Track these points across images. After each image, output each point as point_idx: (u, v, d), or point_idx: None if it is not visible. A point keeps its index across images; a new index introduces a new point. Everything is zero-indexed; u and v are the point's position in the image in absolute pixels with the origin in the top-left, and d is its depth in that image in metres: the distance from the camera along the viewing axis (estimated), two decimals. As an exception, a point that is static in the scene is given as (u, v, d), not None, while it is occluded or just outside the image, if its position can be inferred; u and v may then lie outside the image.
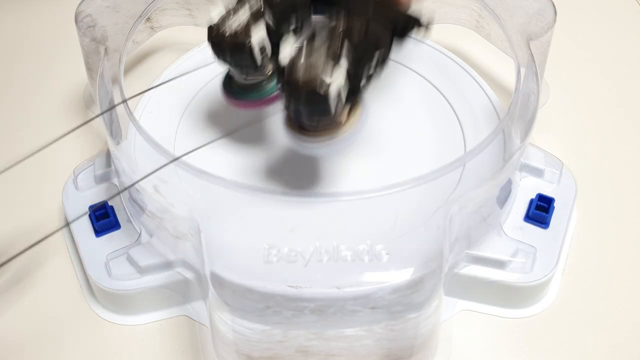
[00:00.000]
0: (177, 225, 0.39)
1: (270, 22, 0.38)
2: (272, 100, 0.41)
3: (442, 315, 0.40)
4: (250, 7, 0.38)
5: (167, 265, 0.40)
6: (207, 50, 0.50)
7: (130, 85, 0.50)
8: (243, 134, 0.46)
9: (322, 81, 0.35)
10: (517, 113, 0.42)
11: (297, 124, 0.38)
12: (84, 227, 0.43)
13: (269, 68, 0.40)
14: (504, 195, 0.42)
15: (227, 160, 0.44)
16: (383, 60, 0.38)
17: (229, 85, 0.41)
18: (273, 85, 0.40)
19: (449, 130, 0.45)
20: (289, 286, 0.36)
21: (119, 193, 0.43)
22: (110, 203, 0.43)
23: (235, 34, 0.38)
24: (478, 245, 0.41)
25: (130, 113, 0.41)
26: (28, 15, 0.59)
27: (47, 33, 0.58)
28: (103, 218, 0.42)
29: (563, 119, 0.51)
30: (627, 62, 0.55)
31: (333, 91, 0.35)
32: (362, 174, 0.43)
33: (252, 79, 0.40)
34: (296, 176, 0.43)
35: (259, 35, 0.38)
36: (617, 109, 0.52)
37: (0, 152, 0.50)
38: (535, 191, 0.44)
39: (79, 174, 0.44)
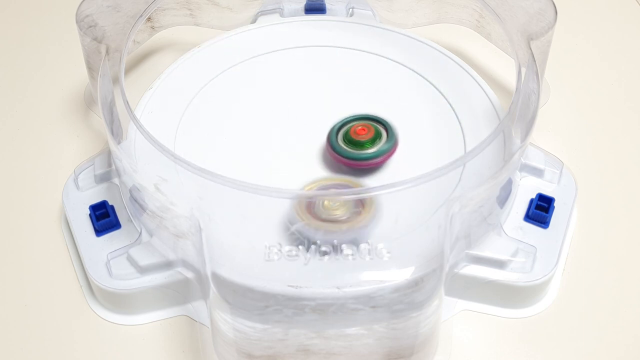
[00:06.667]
0: (177, 224, 0.39)
1: None
2: (368, 164, 0.43)
3: (443, 315, 0.40)
4: None
5: (168, 264, 0.40)
6: (207, 50, 0.51)
7: (131, 84, 0.50)
8: (245, 132, 0.46)
9: None
10: (518, 113, 0.42)
11: None
12: (84, 227, 0.43)
13: None
14: (504, 195, 0.42)
15: (229, 159, 0.44)
16: None
17: (335, 139, 0.43)
18: (374, 152, 0.43)
19: (449, 130, 0.45)
20: (289, 286, 0.36)
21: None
22: (110, 202, 0.43)
23: None
24: (478, 245, 0.41)
25: (131, 112, 0.41)
26: (28, 15, 0.59)
27: (48, 33, 0.58)
28: (103, 217, 0.42)
29: (563, 119, 0.51)
30: (628, 62, 0.55)
31: None
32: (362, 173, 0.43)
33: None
34: (298, 175, 0.43)
35: None
36: (617, 108, 0.52)
37: (0, 151, 0.50)
38: (536, 191, 0.44)
39: (79, 174, 0.44)
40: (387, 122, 0.44)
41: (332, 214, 0.38)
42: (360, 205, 0.38)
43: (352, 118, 0.44)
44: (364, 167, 0.43)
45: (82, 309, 0.42)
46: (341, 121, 0.44)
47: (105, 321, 0.41)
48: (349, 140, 0.43)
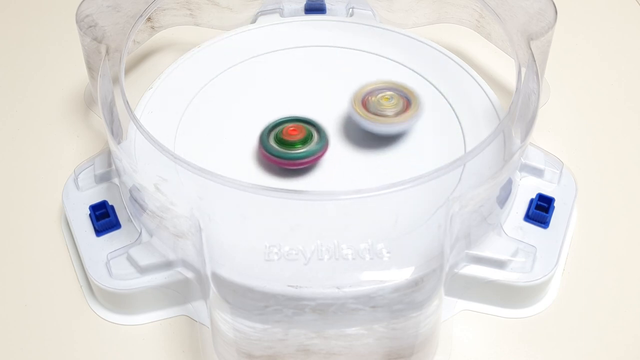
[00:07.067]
0: (177, 224, 0.39)
1: None
2: (297, 164, 0.43)
3: (443, 315, 0.40)
4: None
5: (168, 264, 0.40)
6: (207, 50, 0.51)
7: (131, 84, 0.50)
8: (245, 132, 0.46)
9: None
10: (518, 113, 0.42)
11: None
12: (84, 227, 0.43)
13: None
14: (504, 195, 0.42)
15: (229, 159, 0.44)
16: None
17: (267, 138, 0.44)
18: (308, 150, 0.43)
19: (449, 130, 0.45)
20: (289, 286, 0.36)
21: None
22: (110, 202, 0.43)
23: None
24: (478, 245, 0.41)
25: (131, 112, 0.41)
26: (28, 15, 0.59)
27: (48, 33, 0.58)
28: (103, 217, 0.42)
29: (563, 119, 0.51)
30: (628, 62, 0.56)
31: None
32: (363, 173, 0.43)
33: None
34: (298, 174, 0.43)
35: None
36: (617, 108, 0.52)
37: (0, 151, 0.50)
38: (536, 191, 0.44)
39: (79, 174, 0.44)
40: (319, 125, 0.44)
41: (382, 109, 0.44)
42: (407, 103, 0.45)
43: (284, 119, 0.44)
44: (293, 167, 0.43)
45: (82, 309, 0.42)
46: (274, 122, 0.44)
47: (105, 321, 0.41)
48: (279, 140, 0.43)
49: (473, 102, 0.47)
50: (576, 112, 0.52)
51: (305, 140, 0.43)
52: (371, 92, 0.45)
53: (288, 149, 0.43)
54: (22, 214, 0.46)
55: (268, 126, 0.44)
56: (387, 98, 0.45)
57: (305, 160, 0.43)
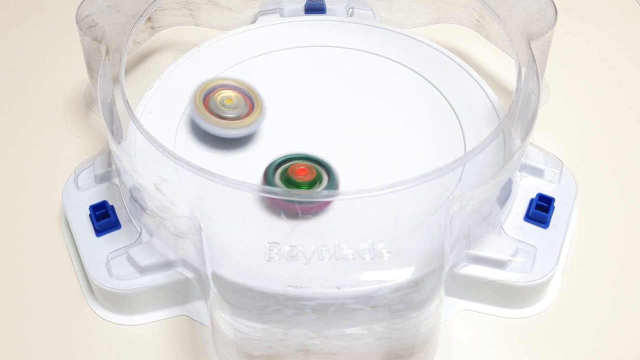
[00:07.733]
0: (177, 224, 0.39)
1: None
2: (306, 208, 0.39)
3: (443, 315, 0.40)
4: None
5: (168, 264, 0.40)
6: (207, 50, 0.51)
7: (131, 84, 0.50)
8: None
9: None
10: (518, 113, 0.42)
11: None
12: (84, 227, 0.43)
13: None
14: (504, 195, 0.42)
15: (229, 158, 0.44)
16: None
17: (273, 173, 0.41)
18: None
19: (449, 130, 0.45)
20: (289, 286, 0.36)
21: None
22: (110, 202, 0.43)
23: None
24: (478, 244, 0.41)
25: (131, 112, 0.41)
26: (28, 15, 0.59)
27: (48, 33, 0.58)
28: (103, 217, 0.42)
29: (563, 119, 0.51)
30: (628, 62, 0.55)
31: None
32: (362, 173, 0.43)
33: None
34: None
35: None
36: (617, 108, 0.52)
37: (0, 151, 0.50)
38: (536, 191, 0.44)
39: (79, 174, 0.44)
40: (331, 168, 0.41)
41: (224, 111, 0.44)
42: (250, 107, 0.44)
43: (295, 156, 0.42)
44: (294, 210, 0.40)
45: (82, 309, 0.42)
46: (282, 157, 0.42)
47: (105, 321, 0.41)
48: (286, 178, 0.40)
49: (473, 102, 0.47)
50: (576, 112, 0.52)
51: (314, 183, 0.40)
52: (214, 90, 0.44)
53: (292, 189, 0.40)
54: (22, 214, 0.46)
55: (275, 161, 0.41)
56: (230, 100, 0.44)
57: (311, 205, 0.39)
